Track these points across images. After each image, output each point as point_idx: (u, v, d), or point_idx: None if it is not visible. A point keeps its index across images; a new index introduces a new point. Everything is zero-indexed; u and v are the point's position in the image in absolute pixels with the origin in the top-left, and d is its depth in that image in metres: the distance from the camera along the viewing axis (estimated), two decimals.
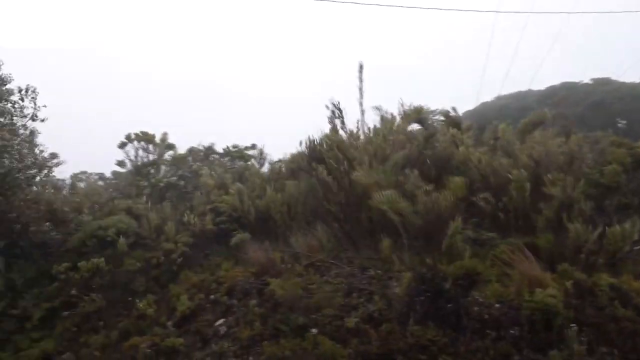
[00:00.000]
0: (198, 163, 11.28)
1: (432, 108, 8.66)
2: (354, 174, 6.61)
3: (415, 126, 8.43)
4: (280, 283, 5.51)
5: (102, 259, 6.73)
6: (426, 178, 6.51)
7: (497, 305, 4.80)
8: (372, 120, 8.52)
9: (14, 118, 7.94)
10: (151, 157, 11.52)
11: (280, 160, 10.05)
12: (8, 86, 8.03)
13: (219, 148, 12.46)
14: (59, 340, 6.14)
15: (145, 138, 11.55)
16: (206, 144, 12.44)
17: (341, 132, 7.68)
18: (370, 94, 8.03)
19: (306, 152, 7.92)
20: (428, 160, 7.40)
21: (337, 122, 7.69)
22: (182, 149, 11.97)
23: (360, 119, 7.97)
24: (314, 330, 4.91)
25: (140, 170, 11.10)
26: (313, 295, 5.38)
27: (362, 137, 7.87)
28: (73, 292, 6.56)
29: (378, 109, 8.25)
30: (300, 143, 7.92)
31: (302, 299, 5.33)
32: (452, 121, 8.34)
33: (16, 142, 7.54)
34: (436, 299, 4.75)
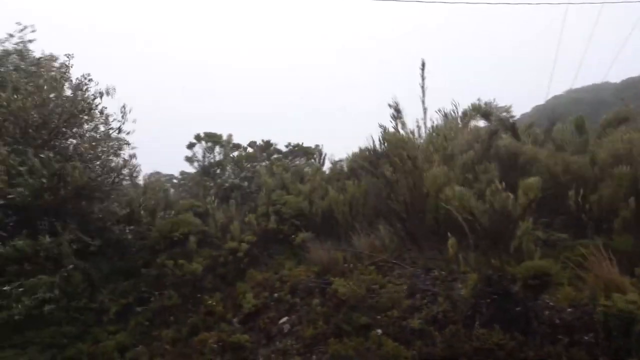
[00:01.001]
0: (261, 163, 11.52)
1: (501, 104, 8.41)
2: (426, 171, 6.49)
3: (481, 123, 8.21)
4: (343, 282, 5.53)
5: (172, 258, 7.00)
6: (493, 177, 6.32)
7: (569, 309, 4.57)
8: (436, 118, 8.40)
9: (98, 124, 8.41)
10: (217, 157, 11.90)
11: (341, 160, 10.09)
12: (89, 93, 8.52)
13: (280, 147, 12.69)
14: (133, 334, 6.45)
15: (212, 139, 11.94)
16: (268, 143, 12.67)
17: (403, 130, 7.58)
18: (434, 92, 7.89)
19: (368, 152, 7.90)
20: (493, 159, 7.18)
21: (399, 120, 7.60)
22: (244, 144, 12.29)
23: (423, 117, 7.86)
24: (378, 331, 4.89)
25: (207, 171, 11.49)
26: (376, 296, 5.37)
27: (424, 135, 7.75)
28: (144, 288, 6.88)
29: (441, 110, 8.11)
30: (362, 143, 7.92)
31: (365, 299, 5.32)
32: (509, 122, 8.06)
33: (99, 150, 8.04)
34: (503, 301, 4.60)
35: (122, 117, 8.34)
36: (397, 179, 6.82)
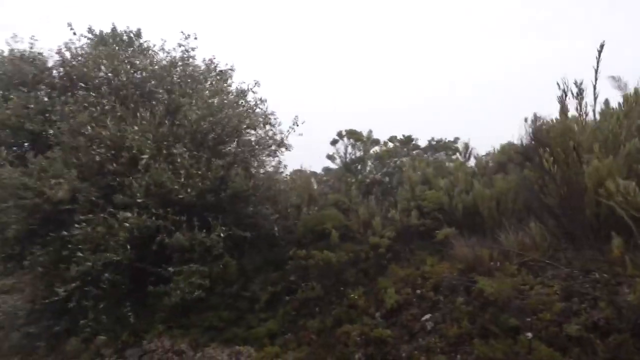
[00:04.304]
0: (402, 159, 11.45)
1: None
2: (586, 163, 5.87)
3: None
4: (490, 282, 5.27)
5: (316, 251, 7.28)
6: None
7: None
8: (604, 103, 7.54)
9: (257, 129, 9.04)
10: (358, 153, 12.09)
11: (487, 154, 9.60)
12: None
13: (422, 142, 12.49)
14: (281, 322, 6.85)
15: (353, 136, 12.18)
16: (409, 138, 12.54)
17: (570, 116, 6.87)
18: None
19: (522, 141, 7.34)
20: None
21: (570, 103, 6.87)
22: (384, 140, 12.32)
23: (593, 102, 7.08)
24: (529, 334, 4.58)
25: (348, 167, 11.74)
26: (526, 297, 5.02)
27: (591, 121, 6.96)
28: (292, 278, 7.26)
29: (616, 79, 7.15)
30: (512, 135, 7.42)
31: (514, 300, 5.01)
32: None
33: (258, 156, 8.70)
34: None
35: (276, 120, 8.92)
36: (555, 171, 6.25)
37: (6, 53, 8.90)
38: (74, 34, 9.20)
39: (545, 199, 6.37)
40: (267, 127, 8.99)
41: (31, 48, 9.03)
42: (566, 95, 6.85)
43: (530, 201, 6.84)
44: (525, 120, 7.24)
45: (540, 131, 6.90)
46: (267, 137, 8.98)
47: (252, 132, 8.94)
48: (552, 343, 4.38)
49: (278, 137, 9.01)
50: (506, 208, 7.08)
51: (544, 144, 6.51)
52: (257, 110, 9.07)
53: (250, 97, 9.19)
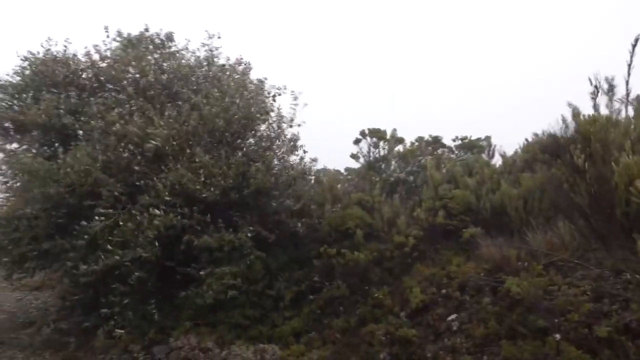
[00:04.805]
0: (427, 157, 11.37)
1: None
2: (617, 161, 5.71)
3: None
4: (517, 282, 5.19)
5: (340, 250, 7.28)
6: None
7: None
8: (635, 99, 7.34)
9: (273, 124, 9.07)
10: (382, 152, 12.06)
11: (514, 153, 9.45)
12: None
13: (447, 141, 12.38)
14: (306, 321, 6.88)
15: (377, 134, 12.14)
16: (435, 138, 12.45)
17: (605, 111, 6.72)
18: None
19: (550, 138, 7.18)
20: None
21: (601, 100, 6.73)
22: (409, 138, 12.26)
23: (625, 98, 6.91)
24: (557, 336, 4.50)
25: (372, 166, 11.71)
26: (555, 298, 4.93)
27: (623, 117, 6.79)
28: (316, 278, 7.27)
29: None
30: (540, 132, 7.25)
31: (542, 301, 4.93)
32: None
33: (277, 150, 8.73)
34: None
35: (294, 114, 8.92)
36: (585, 169, 6.09)
37: (40, 55, 9.11)
38: (107, 36, 9.45)
39: (575, 198, 6.23)
40: (274, 111, 9.01)
41: (65, 50, 9.25)
42: (598, 92, 6.72)
43: (558, 200, 6.70)
44: (563, 118, 7.09)
45: (573, 128, 6.75)
46: (279, 124, 9.01)
47: (264, 126, 8.98)
48: (581, 345, 4.30)
49: (288, 118, 9.01)
50: (533, 207, 6.96)
51: (576, 140, 6.37)
52: (273, 106, 9.09)
53: (268, 92, 9.18)
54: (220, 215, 7.45)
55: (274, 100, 8.99)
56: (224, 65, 9.65)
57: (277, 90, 9.03)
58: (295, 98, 8.90)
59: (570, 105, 6.69)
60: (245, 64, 9.66)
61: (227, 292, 7.06)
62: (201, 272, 7.20)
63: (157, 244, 7.07)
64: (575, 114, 6.74)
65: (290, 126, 9.02)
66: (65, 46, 9.25)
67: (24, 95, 8.87)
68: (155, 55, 9.24)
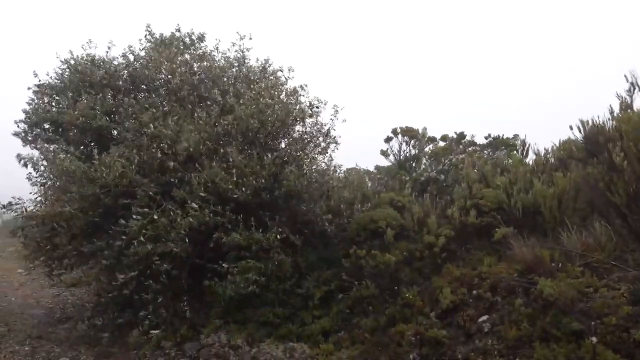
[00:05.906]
0: (459, 156, 11.20)
1: None
2: None
3: None
4: (551, 283, 5.07)
5: (370, 249, 7.24)
6: None
7: None
8: None
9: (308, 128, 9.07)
10: (413, 151, 11.96)
11: (547, 152, 9.22)
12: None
13: (479, 139, 12.17)
14: (335, 320, 6.87)
15: (408, 133, 12.05)
16: (461, 135, 12.26)
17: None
18: None
19: (586, 135, 6.97)
20: None
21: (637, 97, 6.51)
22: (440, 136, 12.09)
23: None
24: (593, 339, 4.38)
25: (402, 164, 11.62)
26: (590, 300, 4.80)
27: None
28: (344, 277, 7.26)
29: None
30: (574, 130, 7.03)
31: (577, 303, 4.81)
32: None
33: (309, 153, 8.75)
34: None
35: (332, 119, 8.90)
36: (624, 168, 5.89)
37: (80, 57, 9.37)
38: (145, 36, 9.65)
39: (612, 197, 6.04)
40: (313, 118, 8.95)
41: (107, 52, 9.53)
42: (634, 89, 6.51)
43: (594, 199, 6.51)
44: (597, 119, 6.88)
45: (611, 126, 6.54)
46: (314, 131, 8.97)
47: (299, 127, 8.96)
48: (619, 349, 4.18)
49: (324, 130, 8.97)
50: (568, 207, 6.78)
51: (614, 139, 6.16)
52: (303, 99, 9.07)
53: (305, 99, 9.18)
54: (250, 215, 7.51)
55: (312, 110, 8.96)
56: (256, 67, 9.70)
57: (318, 103, 9.00)
58: (336, 112, 8.87)
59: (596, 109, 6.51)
60: (279, 68, 9.73)
61: (249, 287, 7.07)
62: (224, 265, 7.26)
63: (187, 240, 7.17)
64: (612, 112, 6.55)
65: (326, 135, 9.00)
66: (109, 47, 9.53)
67: (63, 96, 9.14)
68: (187, 56, 9.37)
